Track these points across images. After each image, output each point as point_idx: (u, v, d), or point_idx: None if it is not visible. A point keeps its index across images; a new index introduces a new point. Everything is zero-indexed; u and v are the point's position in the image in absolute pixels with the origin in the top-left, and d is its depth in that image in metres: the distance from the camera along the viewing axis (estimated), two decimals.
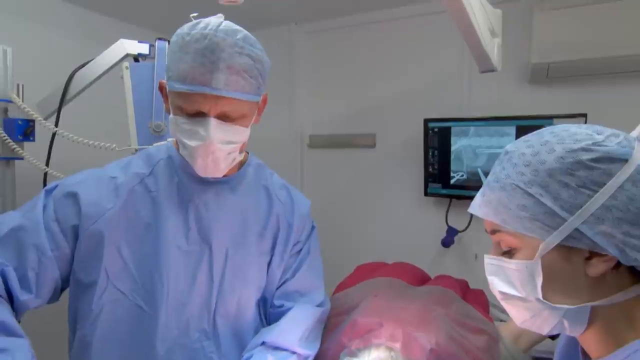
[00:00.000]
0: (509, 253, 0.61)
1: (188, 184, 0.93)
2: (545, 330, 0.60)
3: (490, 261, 0.63)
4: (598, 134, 0.55)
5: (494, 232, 0.62)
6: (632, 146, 0.54)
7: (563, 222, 0.54)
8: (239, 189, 0.98)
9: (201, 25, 0.80)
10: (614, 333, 0.56)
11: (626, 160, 0.53)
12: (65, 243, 0.85)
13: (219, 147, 0.83)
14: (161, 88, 0.91)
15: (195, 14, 0.86)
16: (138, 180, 0.90)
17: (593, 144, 0.54)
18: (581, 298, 0.56)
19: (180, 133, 0.84)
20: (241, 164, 1.01)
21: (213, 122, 0.81)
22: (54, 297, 0.90)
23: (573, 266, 0.55)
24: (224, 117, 0.83)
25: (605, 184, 0.52)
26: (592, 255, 0.54)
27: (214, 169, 0.87)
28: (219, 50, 0.78)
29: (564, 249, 0.55)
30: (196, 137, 0.81)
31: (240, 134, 0.86)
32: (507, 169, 0.59)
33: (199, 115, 0.81)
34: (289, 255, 1.02)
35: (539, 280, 0.56)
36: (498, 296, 0.63)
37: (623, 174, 0.52)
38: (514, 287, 0.59)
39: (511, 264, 0.59)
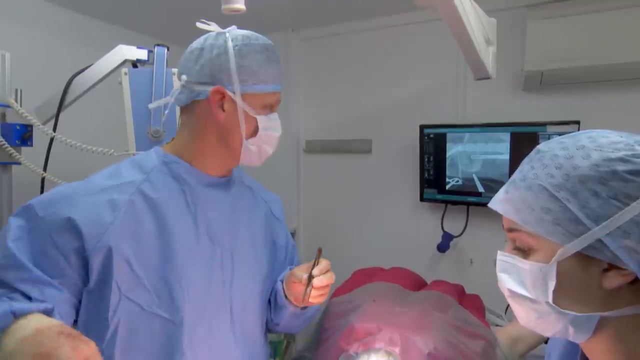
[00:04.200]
0: (523, 252, 0.60)
1: (193, 186, 0.94)
2: (549, 333, 0.59)
3: (503, 258, 0.62)
4: (639, 145, 0.53)
5: (511, 230, 0.61)
6: None
7: (586, 231, 0.52)
8: (232, 190, 1.02)
9: (260, 36, 0.95)
10: (624, 345, 0.55)
11: None
12: (69, 268, 0.80)
13: None
14: (215, 94, 0.89)
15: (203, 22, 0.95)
16: (134, 189, 0.87)
17: (633, 155, 0.52)
18: (591, 307, 0.55)
19: (269, 130, 0.95)
20: None
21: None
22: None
23: (589, 276, 0.54)
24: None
25: (638, 198, 0.50)
26: (611, 267, 0.53)
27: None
28: (275, 53, 0.96)
29: (582, 257, 0.54)
30: (278, 127, 0.98)
31: None
32: (536, 168, 0.58)
33: (270, 111, 0.96)
34: (286, 248, 1.13)
35: (552, 285, 0.55)
36: (505, 293, 0.62)
37: None
38: (524, 287, 0.59)
39: (525, 264, 0.58)
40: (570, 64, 1.74)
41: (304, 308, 1.04)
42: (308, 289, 0.93)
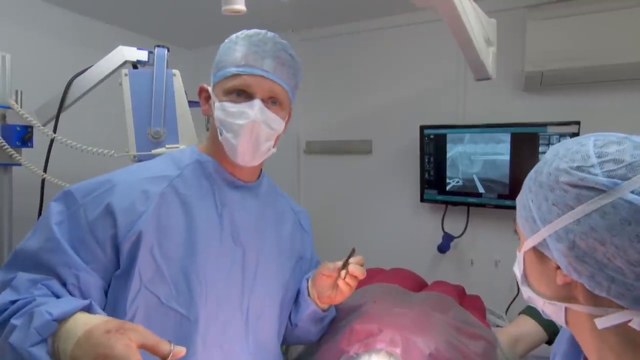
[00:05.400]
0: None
1: (222, 188, 0.95)
2: (539, 309, 0.65)
3: None
4: (598, 156, 0.53)
5: (514, 221, 0.68)
6: (628, 177, 0.50)
7: (538, 230, 0.58)
8: (261, 195, 1.03)
9: (252, 30, 0.94)
10: (603, 343, 0.57)
11: (605, 191, 0.51)
12: (102, 254, 0.82)
13: (263, 127, 0.90)
14: (201, 91, 1.00)
15: None
16: (167, 183, 0.90)
17: (577, 167, 0.53)
18: (554, 297, 0.60)
19: (227, 116, 0.90)
20: (259, 173, 1.06)
21: (258, 102, 0.89)
22: None
23: (547, 269, 0.59)
24: (266, 102, 0.91)
25: (574, 208, 0.53)
26: (558, 265, 0.57)
27: (253, 152, 0.92)
28: (269, 43, 0.92)
29: (539, 252, 0.60)
30: (243, 116, 0.89)
31: (278, 123, 0.94)
32: (533, 169, 0.63)
33: (246, 100, 0.90)
34: (310, 261, 1.14)
35: (521, 269, 0.66)
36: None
37: (594, 203, 0.51)
38: (517, 270, 0.68)
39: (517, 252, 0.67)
40: (570, 65, 1.74)
41: (325, 310, 1.07)
42: (343, 272, 0.97)
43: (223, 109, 0.90)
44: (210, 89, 0.97)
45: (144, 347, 0.64)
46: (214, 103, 0.93)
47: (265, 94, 0.91)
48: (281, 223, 1.07)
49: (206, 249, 0.89)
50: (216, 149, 0.95)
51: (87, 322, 0.67)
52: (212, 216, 0.92)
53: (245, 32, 0.94)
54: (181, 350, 0.66)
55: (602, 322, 0.53)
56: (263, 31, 0.94)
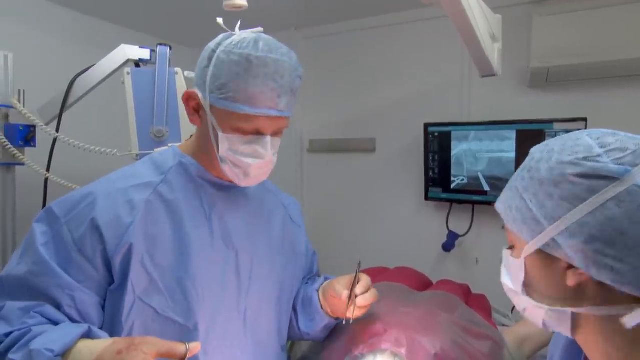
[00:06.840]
0: (511, 248, 0.65)
1: (208, 190, 0.92)
2: (538, 324, 0.62)
3: (504, 252, 0.67)
4: (601, 146, 0.53)
5: (504, 227, 0.66)
6: (636, 164, 0.50)
7: (543, 230, 0.55)
8: (249, 193, 1.00)
9: (262, 45, 0.82)
10: (609, 345, 0.56)
11: (618, 179, 0.50)
12: (94, 271, 0.79)
13: (271, 163, 0.89)
14: (188, 99, 0.88)
15: (221, 19, 0.90)
16: (151, 190, 0.86)
17: (584, 158, 0.53)
18: (562, 302, 0.57)
19: (237, 153, 0.85)
20: None
21: (270, 140, 0.86)
22: None
23: (553, 272, 0.56)
24: (274, 134, 0.88)
25: (586, 200, 0.51)
26: (570, 265, 0.54)
27: (259, 182, 0.92)
28: (286, 75, 0.83)
29: (546, 255, 0.56)
30: (255, 155, 0.85)
31: (278, 144, 0.92)
32: (519, 170, 0.62)
33: (255, 134, 0.85)
34: (306, 255, 1.11)
35: (522, 277, 0.61)
36: (504, 287, 0.67)
37: (609, 192, 0.50)
38: (510, 280, 0.64)
39: (510, 259, 0.64)
40: (576, 61, 1.72)
41: (337, 318, 1.04)
42: (352, 307, 0.92)
43: (231, 144, 0.84)
44: (201, 99, 0.85)
45: (159, 355, 0.64)
46: (216, 131, 0.85)
47: (275, 129, 0.87)
48: (271, 220, 1.03)
49: (198, 254, 0.86)
50: (205, 158, 0.91)
51: (92, 350, 0.66)
52: (201, 220, 0.89)
53: (260, 55, 0.80)
54: (197, 346, 0.67)
55: (630, 320, 0.50)
56: (278, 55, 0.82)
